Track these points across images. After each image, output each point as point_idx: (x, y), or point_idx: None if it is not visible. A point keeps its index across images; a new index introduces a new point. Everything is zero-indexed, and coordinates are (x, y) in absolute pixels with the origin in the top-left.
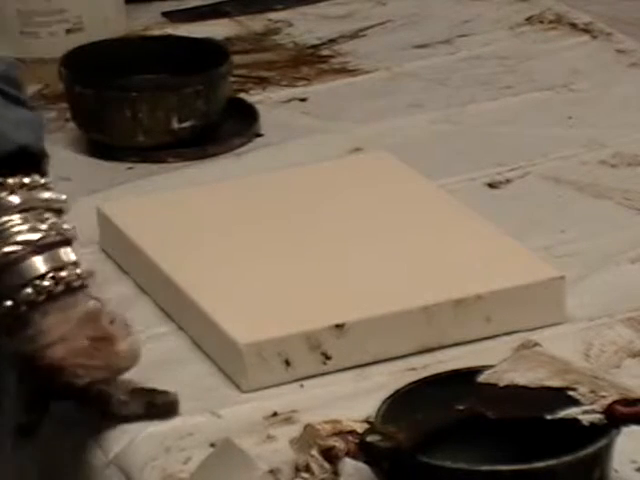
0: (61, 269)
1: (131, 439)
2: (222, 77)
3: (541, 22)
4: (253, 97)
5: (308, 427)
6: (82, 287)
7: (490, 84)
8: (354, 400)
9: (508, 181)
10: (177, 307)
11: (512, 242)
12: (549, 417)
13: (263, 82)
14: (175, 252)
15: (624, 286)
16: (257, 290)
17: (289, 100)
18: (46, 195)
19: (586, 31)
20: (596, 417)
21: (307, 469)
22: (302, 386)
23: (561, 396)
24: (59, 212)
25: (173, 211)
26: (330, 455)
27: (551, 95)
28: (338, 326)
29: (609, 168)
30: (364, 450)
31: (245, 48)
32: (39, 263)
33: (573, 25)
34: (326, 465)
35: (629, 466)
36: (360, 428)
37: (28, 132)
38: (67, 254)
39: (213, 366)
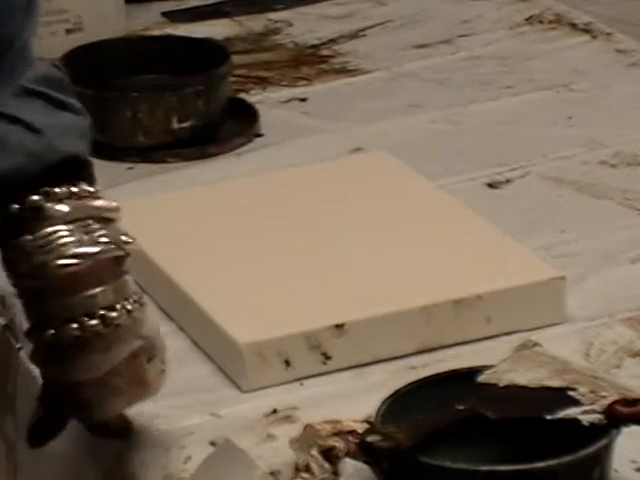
0: (126, 299)
1: (132, 440)
2: (222, 77)
3: (541, 22)
4: (253, 97)
5: (308, 427)
6: (133, 323)
7: (490, 84)
8: (354, 400)
9: (508, 181)
10: (177, 307)
11: (512, 242)
12: (549, 417)
13: (263, 82)
14: (175, 252)
15: (624, 286)
16: (257, 290)
17: (289, 100)
18: (97, 204)
19: (586, 31)
20: (596, 417)
21: (307, 469)
22: (302, 385)
23: (561, 396)
24: (110, 221)
25: (173, 211)
26: (330, 455)
27: (551, 95)
28: (338, 326)
29: (609, 168)
30: (364, 450)
31: (245, 48)
32: (106, 292)
33: (573, 25)
34: (326, 465)
35: (629, 466)
36: (360, 428)
37: (75, 139)
38: (131, 283)
39: (213, 366)
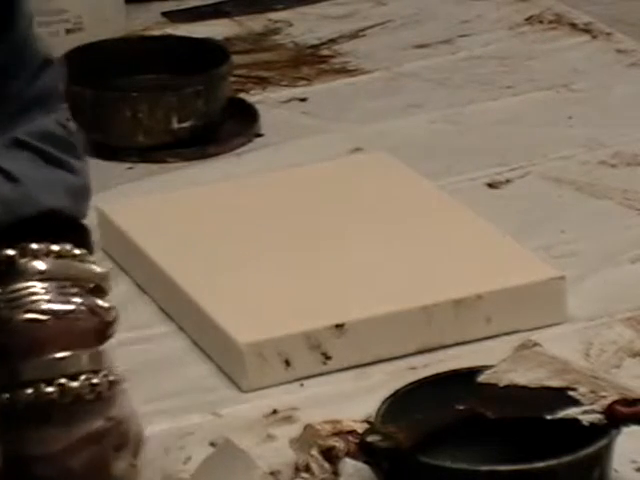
0: (94, 372)
1: None
2: (222, 77)
3: (541, 22)
4: (253, 97)
5: (308, 427)
6: (98, 399)
7: (490, 84)
8: (354, 400)
9: (508, 181)
10: (177, 307)
11: (512, 242)
12: (549, 417)
13: (263, 82)
14: (175, 252)
15: (624, 286)
16: (257, 290)
17: (289, 100)
18: (79, 267)
19: (586, 31)
20: (596, 417)
21: (307, 469)
22: (302, 385)
23: (561, 396)
24: (97, 291)
25: (173, 211)
26: (330, 455)
27: (551, 95)
28: (338, 326)
29: (609, 168)
30: (364, 450)
31: (245, 48)
32: (73, 359)
33: (573, 25)
34: (326, 465)
35: (629, 466)
36: (360, 428)
37: (61, 196)
38: (105, 355)
39: (213, 366)
